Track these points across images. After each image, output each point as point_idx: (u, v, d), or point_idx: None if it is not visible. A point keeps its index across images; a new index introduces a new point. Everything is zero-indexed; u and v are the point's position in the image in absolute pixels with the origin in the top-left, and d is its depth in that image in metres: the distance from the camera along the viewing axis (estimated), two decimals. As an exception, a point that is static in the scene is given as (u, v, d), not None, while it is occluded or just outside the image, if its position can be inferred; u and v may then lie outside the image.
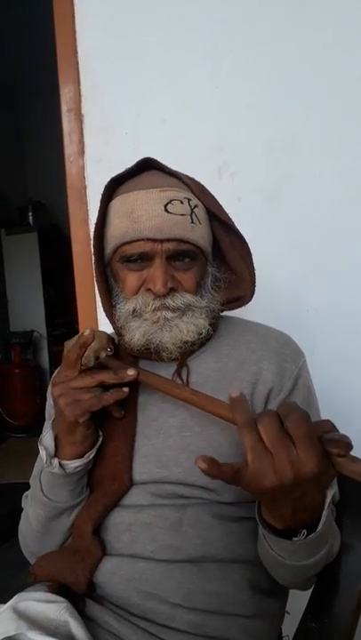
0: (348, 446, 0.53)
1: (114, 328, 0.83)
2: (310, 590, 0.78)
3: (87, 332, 0.74)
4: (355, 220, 1.26)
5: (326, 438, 0.54)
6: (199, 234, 0.79)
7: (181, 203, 0.77)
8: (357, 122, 1.24)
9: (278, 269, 1.29)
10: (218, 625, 0.74)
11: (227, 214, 0.83)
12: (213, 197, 0.83)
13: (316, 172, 1.27)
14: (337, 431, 0.56)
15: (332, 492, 0.61)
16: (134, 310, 0.78)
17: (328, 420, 0.57)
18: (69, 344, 0.77)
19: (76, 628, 0.69)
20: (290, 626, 0.77)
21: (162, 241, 0.75)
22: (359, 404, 1.30)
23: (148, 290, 0.77)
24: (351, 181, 1.26)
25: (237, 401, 0.57)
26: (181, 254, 0.78)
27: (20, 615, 0.68)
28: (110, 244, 0.80)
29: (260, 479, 0.54)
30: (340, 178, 1.26)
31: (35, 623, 0.68)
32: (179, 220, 0.76)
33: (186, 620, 0.73)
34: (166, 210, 0.76)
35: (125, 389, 0.73)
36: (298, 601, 0.79)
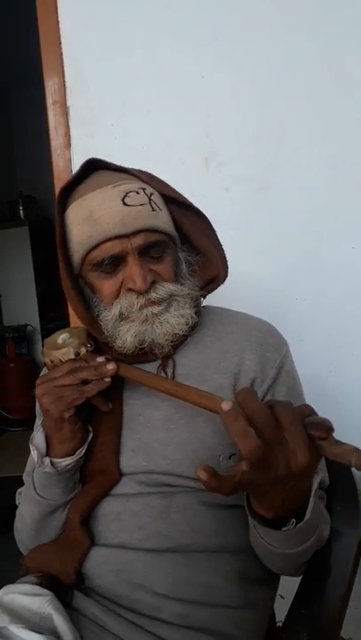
0: (330, 429, 0.53)
1: (101, 340, 0.79)
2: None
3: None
4: (342, 208, 1.26)
5: (308, 422, 0.53)
6: (162, 220, 0.77)
7: (137, 193, 0.75)
8: (344, 110, 1.24)
9: (267, 259, 1.30)
10: (205, 616, 0.73)
11: (182, 195, 0.81)
12: (164, 181, 0.81)
13: (303, 160, 1.27)
14: (316, 414, 0.55)
15: (318, 479, 0.61)
16: (121, 314, 0.75)
17: (307, 405, 0.56)
18: (49, 343, 0.76)
19: (60, 621, 0.69)
20: (284, 611, 0.77)
21: (129, 236, 0.73)
22: (348, 390, 1.31)
23: (129, 290, 0.74)
24: (338, 170, 1.26)
25: (229, 414, 0.52)
26: (152, 245, 0.75)
27: (4, 609, 0.69)
28: (77, 254, 0.76)
29: (257, 479, 0.54)
30: (327, 166, 1.26)
31: (19, 617, 0.68)
32: (140, 210, 0.74)
33: (172, 611, 0.73)
34: (125, 203, 0.73)
35: (107, 380, 0.73)
36: (293, 586, 0.80)
